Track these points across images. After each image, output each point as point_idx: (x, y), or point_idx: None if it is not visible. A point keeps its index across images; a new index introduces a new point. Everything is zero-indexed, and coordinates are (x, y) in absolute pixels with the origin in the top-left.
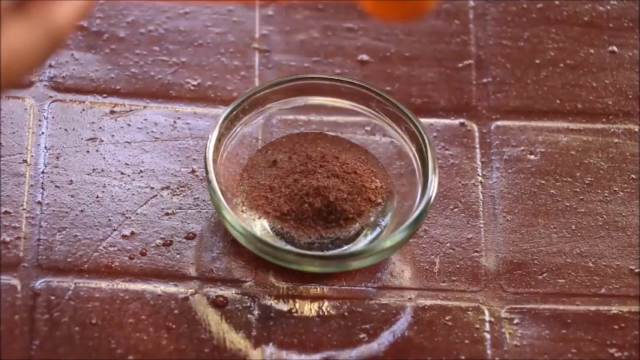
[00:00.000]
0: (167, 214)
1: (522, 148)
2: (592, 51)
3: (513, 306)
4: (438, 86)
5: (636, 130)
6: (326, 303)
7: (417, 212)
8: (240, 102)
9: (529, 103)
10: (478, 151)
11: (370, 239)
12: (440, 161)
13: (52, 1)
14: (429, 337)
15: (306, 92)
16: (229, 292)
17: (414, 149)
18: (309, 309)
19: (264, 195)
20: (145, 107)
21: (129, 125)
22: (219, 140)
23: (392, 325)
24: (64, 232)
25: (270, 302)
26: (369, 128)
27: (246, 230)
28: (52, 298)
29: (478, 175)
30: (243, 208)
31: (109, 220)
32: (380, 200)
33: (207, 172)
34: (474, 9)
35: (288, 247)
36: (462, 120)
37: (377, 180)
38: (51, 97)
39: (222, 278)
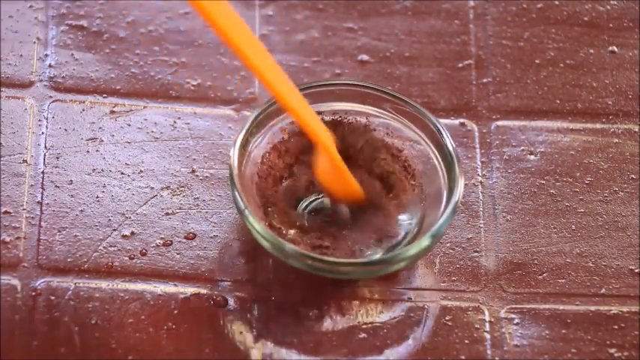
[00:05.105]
0: (167, 214)
1: (522, 148)
2: (592, 51)
3: (513, 306)
4: (438, 86)
5: (636, 130)
6: (326, 303)
7: (446, 214)
8: (266, 107)
9: (529, 103)
10: (478, 151)
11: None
12: None
13: None
14: (429, 337)
15: (330, 99)
16: (229, 292)
17: (436, 152)
18: (309, 309)
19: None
20: (145, 107)
21: (129, 125)
22: (243, 147)
23: (391, 325)
24: (64, 232)
25: (271, 302)
26: (391, 131)
27: (275, 238)
28: (52, 298)
29: (478, 175)
30: (274, 216)
31: (109, 220)
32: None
33: (232, 179)
34: (474, 9)
35: (317, 256)
36: (462, 120)
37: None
38: (51, 97)
39: (223, 278)
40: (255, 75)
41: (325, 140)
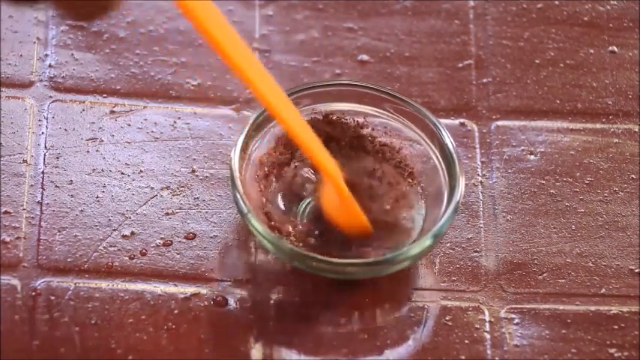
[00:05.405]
0: (167, 214)
1: (522, 148)
2: (592, 51)
3: (513, 306)
4: (438, 86)
5: (636, 130)
6: (326, 303)
7: (448, 213)
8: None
9: (529, 103)
10: (478, 151)
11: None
12: None
13: None
14: (429, 337)
15: (330, 99)
16: (229, 292)
17: (436, 152)
18: (309, 309)
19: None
20: (145, 107)
21: (129, 125)
22: (243, 150)
23: (391, 325)
24: (64, 232)
25: (271, 302)
26: (390, 130)
27: (276, 239)
28: (52, 298)
29: (478, 175)
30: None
31: (109, 220)
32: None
33: (233, 182)
34: (474, 9)
35: (321, 257)
36: (462, 120)
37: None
38: (51, 97)
39: (223, 278)
40: (260, 101)
41: (332, 171)
